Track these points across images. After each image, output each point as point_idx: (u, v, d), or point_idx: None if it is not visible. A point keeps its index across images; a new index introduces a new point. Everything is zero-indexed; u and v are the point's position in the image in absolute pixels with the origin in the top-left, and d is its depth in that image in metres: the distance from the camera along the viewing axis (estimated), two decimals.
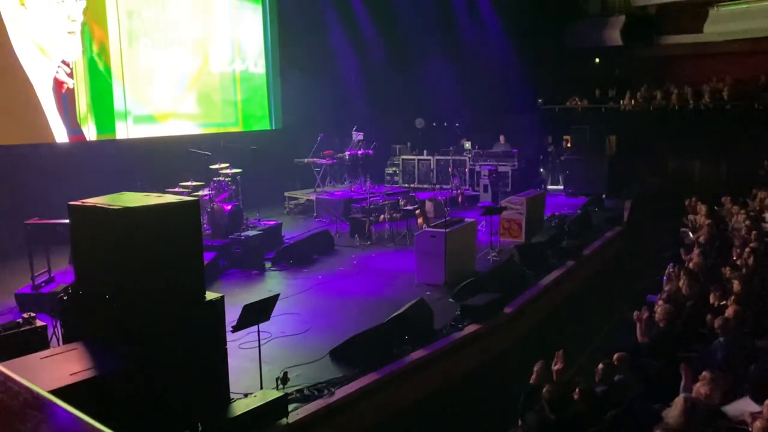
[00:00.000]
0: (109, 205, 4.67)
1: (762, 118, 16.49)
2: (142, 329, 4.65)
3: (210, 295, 5.18)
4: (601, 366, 6.01)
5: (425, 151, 17.49)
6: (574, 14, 21.18)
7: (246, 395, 5.47)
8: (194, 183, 10.94)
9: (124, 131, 12.67)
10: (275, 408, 5.29)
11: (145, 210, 4.69)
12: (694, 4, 18.48)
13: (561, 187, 17.98)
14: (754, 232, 10.63)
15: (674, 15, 19.81)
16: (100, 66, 12.13)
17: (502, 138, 17.71)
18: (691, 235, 12.08)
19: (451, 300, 8.61)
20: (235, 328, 5.47)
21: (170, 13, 13.03)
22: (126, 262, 4.62)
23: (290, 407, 5.53)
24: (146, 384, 4.58)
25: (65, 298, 5.18)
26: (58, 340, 5.82)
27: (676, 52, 20.00)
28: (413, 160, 17.30)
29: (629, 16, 19.82)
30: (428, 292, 8.76)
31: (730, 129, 16.61)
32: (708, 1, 17.97)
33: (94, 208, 4.71)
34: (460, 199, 14.94)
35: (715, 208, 13.26)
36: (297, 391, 5.87)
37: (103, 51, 12.20)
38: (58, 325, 5.44)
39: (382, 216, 13.20)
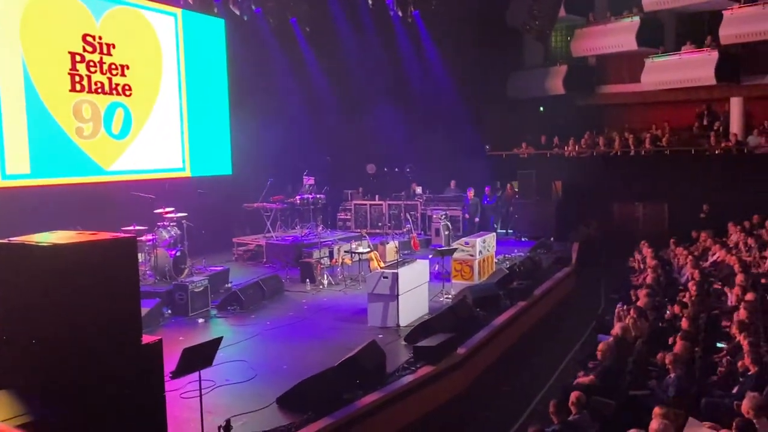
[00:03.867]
0: (37, 243, 4.39)
1: (699, 164, 17.18)
2: (72, 376, 4.32)
3: (147, 339, 4.89)
4: (552, 404, 5.92)
5: (377, 196, 17.50)
6: (518, 64, 21.92)
7: None
8: (137, 227, 10.57)
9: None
10: None
11: (76, 247, 4.42)
12: (631, 55, 19.36)
13: (510, 231, 18.19)
14: (696, 271, 10.91)
15: (613, 65, 20.72)
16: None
17: (452, 183, 17.92)
18: (638, 275, 12.31)
19: (403, 342, 8.44)
20: (174, 375, 5.16)
21: (117, 57, 12.82)
22: (55, 303, 4.32)
23: None
24: None
25: None
26: None
27: (616, 100, 20.87)
28: (365, 205, 17.27)
29: (570, 66, 20.61)
30: (380, 335, 8.58)
31: (670, 174, 17.23)
32: (644, 52, 18.84)
33: (21, 246, 4.42)
34: (412, 243, 14.90)
35: (661, 253, 13.61)
36: None
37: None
38: None
39: (333, 260, 13.04)
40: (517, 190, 18.57)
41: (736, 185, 16.07)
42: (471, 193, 16.94)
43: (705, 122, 19.01)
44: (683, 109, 19.78)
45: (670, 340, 7.79)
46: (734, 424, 5.08)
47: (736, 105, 18.42)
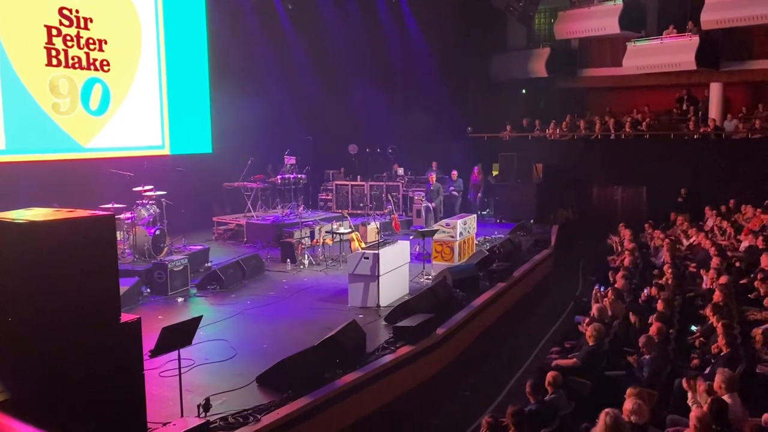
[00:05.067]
0: (12, 220, 4.32)
1: (678, 148, 17.37)
2: (49, 354, 4.29)
3: (125, 318, 4.85)
4: (529, 384, 6.01)
5: (359, 177, 17.46)
6: (501, 46, 21.88)
7: (165, 424, 5.12)
8: (115, 205, 10.46)
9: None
10: None
11: (53, 225, 4.35)
12: (613, 38, 19.41)
13: (491, 212, 18.29)
14: (672, 254, 11.08)
15: (595, 48, 20.78)
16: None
17: (434, 164, 17.92)
18: (615, 258, 12.46)
19: (383, 322, 8.49)
20: (153, 353, 5.14)
21: (95, 31, 12.56)
22: (31, 281, 4.26)
23: None
24: (53, 412, 4.22)
25: None
26: None
27: (598, 84, 20.96)
28: (347, 185, 17.23)
29: (553, 48, 20.62)
30: (361, 315, 8.62)
31: (650, 158, 17.41)
32: (626, 36, 18.90)
33: None
34: (394, 224, 14.93)
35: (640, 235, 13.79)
36: (221, 419, 5.56)
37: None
38: None
39: (314, 240, 13.02)
40: (493, 174, 18.63)
41: (714, 170, 16.31)
42: (433, 177, 15.82)
43: (684, 107, 19.20)
44: (663, 94, 19.95)
45: (632, 319, 7.93)
46: (708, 405, 5.19)
47: (715, 90, 18.61)
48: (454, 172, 16.82)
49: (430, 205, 15.29)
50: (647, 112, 19.42)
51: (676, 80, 18.99)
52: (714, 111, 18.42)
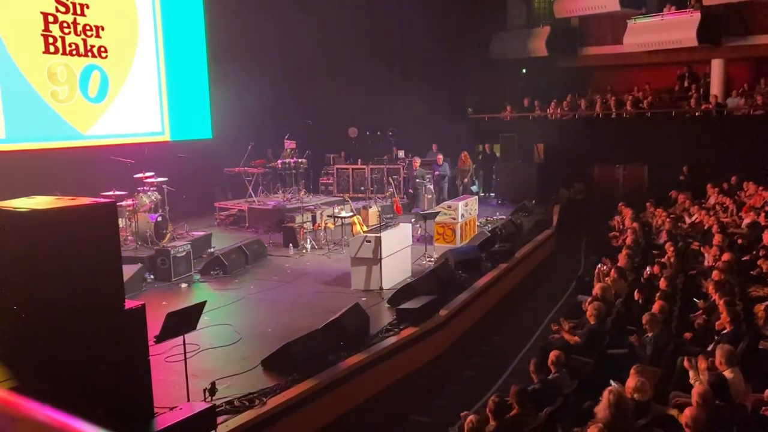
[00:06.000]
0: (15, 209, 4.32)
1: (679, 126, 17.30)
2: (54, 341, 4.31)
3: (130, 304, 4.87)
4: (532, 363, 6.05)
5: (359, 160, 17.42)
6: (501, 25, 21.72)
7: (172, 409, 5.17)
8: (117, 192, 10.46)
9: None
10: (202, 420, 5.01)
11: (56, 213, 4.35)
12: (614, 16, 19.26)
13: (492, 193, 18.27)
14: (674, 232, 11.08)
15: (595, 27, 20.62)
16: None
17: (434, 146, 17.86)
18: (618, 237, 12.47)
19: (386, 305, 8.52)
20: (158, 339, 5.17)
21: (91, 18, 12.48)
22: (34, 269, 4.28)
23: (219, 419, 5.27)
24: (59, 399, 4.25)
25: None
26: None
27: (599, 62, 20.84)
28: (347, 169, 17.20)
29: (553, 27, 20.48)
30: (364, 298, 8.65)
31: (651, 136, 17.36)
32: (626, 13, 18.75)
33: (0, 211, 4.35)
34: (395, 207, 14.92)
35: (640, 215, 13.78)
36: (227, 402, 5.60)
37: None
38: None
39: (316, 224, 13.03)
40: (483, 156, 18.49)
41: (716, 147, 16.26)
42: (417, 163, 15.12)
43: (686, 84, 19.11)
44: (665, 71, 19.84)
45: (636, 295, 7.96)
46: (708, 380, 5.23)
47: (716, 67, 18.50)
48: (440, 156, 16.25)
49: (408, 190, 14.84)
50: (648, 90, 19.32)
51: (677, 57, 18.88)
52: (715, 88, 18.33)
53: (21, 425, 0.58)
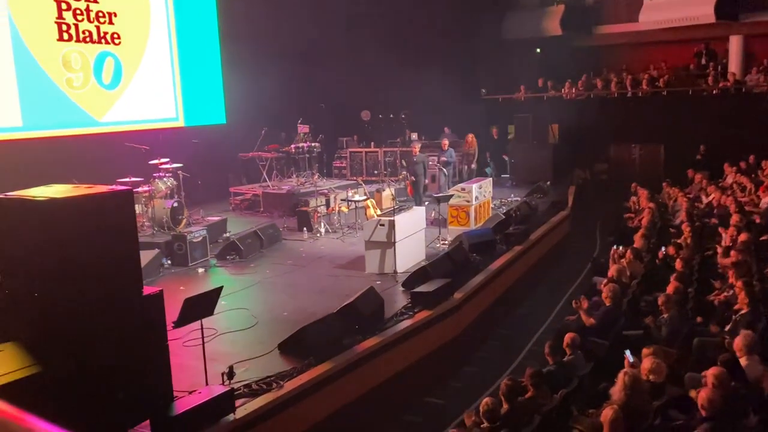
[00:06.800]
0: (35, 197, 4.38)
1: (696, 104, 17.06)
2: (75, 327, 4.39)
3: (148, 290, 4.94)
4: (547, 345, 6.06)
5: (372, 143, 17.39)
6: (513, 5, 21.45)
7: (191, 392, 5.25)
8: (133, 179, 10.55)
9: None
10: (221, 403, 5.10)
11: (74, 201, 4.42)
12: None
13: (507, 175, 18.18)
14: (690, 213, 10.98)
15: (610, 4, 20.31)
16: None
17: (446, 129, 17.77)
18: (633, 218, 12.39)
19: (400, 288, 8.55)
20: (176, 324, 5.23)
21: (104, 4, 12.50)
22: (55, 257, 4.34)
23: (238, 402, 5.35)
24: (81, 384, 4.34)
25: None
26: None
27: (614, 41, 20.55)
28: (361, 152, 17.19)
29: (567, 5, 20.19)
30: (378, 282, 8.68)
31: (667, 115, 17.14)
32: None
33: (18, 201, 4.42)
34: (408, 190, 14.89)
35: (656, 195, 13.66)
36: (245, 385, 5.69)
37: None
38: None
39: (330, 208, 13.07)
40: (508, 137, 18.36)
41: (733, 126, 16.02)
42: (416, 148, 13.87)
43: (703, 62, 18.80)
44: (681, 49, 19.53)
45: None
46: (719, 359, 5.22)
47: (735, 44, 18.17)
48: (444, 141, 15.18)
49: (412, 178, 13.71)
50: (664, 69, 19.05)
51: (694, 34, 18.57)
52: (734, 65, 18.02)
53: None
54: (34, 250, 4.45)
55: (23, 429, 0.63)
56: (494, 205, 13.63)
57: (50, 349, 4.36)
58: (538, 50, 21.68)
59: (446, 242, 10.86)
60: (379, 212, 11.33)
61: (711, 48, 18.90)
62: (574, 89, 19.23)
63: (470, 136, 16.51)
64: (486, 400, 5.07)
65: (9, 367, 4.23)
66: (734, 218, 9.90)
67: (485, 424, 4.99)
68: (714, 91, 17.20)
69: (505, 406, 5.19)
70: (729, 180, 14.10)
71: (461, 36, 18.50)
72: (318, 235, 11.83)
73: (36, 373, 4.23)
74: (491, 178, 14.14)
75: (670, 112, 17.13)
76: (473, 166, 16.48)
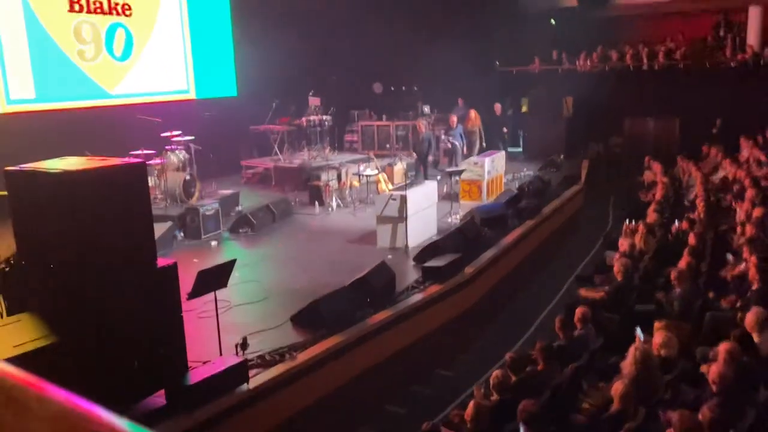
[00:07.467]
0: (48, 170, 4.41)
1: (713, 77, 16.77)
2: (90, 298, 4.45)
3: (162, 262, 4.99)
4: (558, 319, 6.07)
5: (384, 117, 17.27)
6: None
7: (205, 363, 5.33)
8: (145, 151, 10.57)
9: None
10: (235, 374, 5.18)
11: (87, 173, 4.44)
12: None
13: (519, 148, 18.05)
14: (704, 187, 10.87)
15: None
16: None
17: (460, 101, 17.58)
18: (646, 192, 12.30)
19: (412, 262, 8.57)
20: (191, 296, 5.29)
21: None
22: (69, 229, 4.38)
23: (251, 373, 5.43)
24: (97, 354, 4.41)
25: (6, 269, 4.93)
26: (0, 314, 5.55)
27: (630, 12, 20.14)
28: (372, 126, 17.08)
29: None
30: (389, 256, 8.70)
31: (684, 88, 16.87)
32: None
33: (33, 173, 4.44)
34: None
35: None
36: (258, 356, 5.76)
37: None
38: (0, 298, 5.18)
39: (342, 182, 13.05)
40: (522, 110, 18.14)
41: (751, 99, 15.74)
42: (421, 125, 13.70)
43: (721, 33, 18.43)
44: (699, 20, 19.14)
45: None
46: (732, 334, 5.21)
47: (753, 15, 17.76)
48: (453, 118, 14.55)
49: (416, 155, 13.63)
50: (682, 41, 18.69)
51: (712, 5, 18.18)
52: (752, 37, 17.64)
53: (38, 406, 0.60)
54: (48, 222, 4.49)
55: (34, 394, 0.63)
56: (507, 179, 13.55)
57: (66, 319, 4.42)
58: (553, 21, 21.32)
59: (458, 217, 10.84)
60: (390, 187, 11.31)
61: (729, 19, 18.52)
62: (588, 61, 18.95)
63: (473, 112, 15.68)
64: (496, 372, 5.12)
65: (26, 337, 4.30)
66: (749, 192, 9.78)
67: (495, 396, 5.04)
68: (732, 64, 16.89)
69: (513, 378, 5.23)
70: (745, 154, 13.91)
71: (475, 7, 18.22)
72: (329, 209, 11.85)
73: (52, 342, 4.30)
74: (503, 152, 14.00)
75: (687, 84, 16.85)
76: (476, 148, 15.13)
